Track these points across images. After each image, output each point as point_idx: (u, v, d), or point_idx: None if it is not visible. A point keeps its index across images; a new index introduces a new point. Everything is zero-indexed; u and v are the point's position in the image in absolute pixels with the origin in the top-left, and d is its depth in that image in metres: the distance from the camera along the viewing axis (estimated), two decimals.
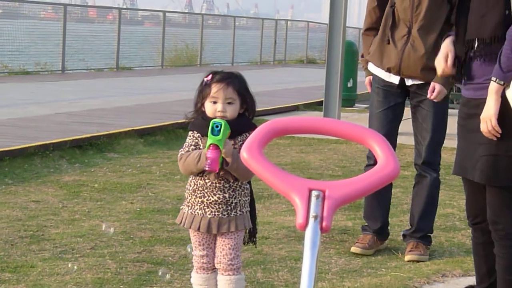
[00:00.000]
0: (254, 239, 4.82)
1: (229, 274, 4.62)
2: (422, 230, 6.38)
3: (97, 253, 6.04)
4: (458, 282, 5.78)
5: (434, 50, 6.04)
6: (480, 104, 4.49)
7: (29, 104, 14.38)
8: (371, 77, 6.48)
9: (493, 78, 4.31)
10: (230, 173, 4.48)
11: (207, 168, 4.33)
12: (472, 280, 5.79)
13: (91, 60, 26.52)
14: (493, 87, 4.30)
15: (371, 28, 6.48)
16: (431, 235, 6.49)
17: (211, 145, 4.28)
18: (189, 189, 4.59)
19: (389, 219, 6.65)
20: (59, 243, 6.29)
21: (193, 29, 32.68)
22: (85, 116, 12.93)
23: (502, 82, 4.26)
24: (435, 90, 6.11)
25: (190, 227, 4.61)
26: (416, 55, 6.15)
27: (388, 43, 6.25)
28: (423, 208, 6.38)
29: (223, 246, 4.58)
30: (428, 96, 6.13)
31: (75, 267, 5.73)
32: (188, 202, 4.59)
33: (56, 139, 10.24)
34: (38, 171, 9.10)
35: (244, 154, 2.27)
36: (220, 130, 4.26)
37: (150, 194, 8.20)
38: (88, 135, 10.78)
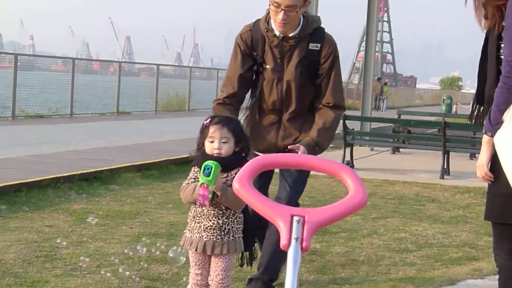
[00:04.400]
0: (251, 262, 4.80)
1: None
2: None
3: (102, 271, 5.99)
4: None
5: (304, 127, 5.41)
6: None
7: (43, 143, 14.31)
8: None
9: (484, 131, 4.26)
10: None
11: (198, 203, 4.33)
12: None
13: (95, 105, 26.50)
14: (485, 138, 4.23)
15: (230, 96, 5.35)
16: None
17: (202, 184, 4.26)
18: (190, 216, 4.57)
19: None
20: (69, 262, 6.23)
21: (182, 79, 32.71)
22: (91, 154, 12.88)
23: (490, 134, 4.19)
24: (299, 151, 5.20)
25: (189, 248, 4.59)
26: (290, 139, 5.39)
27: (259, 131, 5.44)
28: None
29: (216, 267, 4.55)
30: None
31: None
32: (189, 227, 4.57)
33: (66, 173, 10.19)
34: (50, 200, 9.05)
35: (235, 185, 2.26)
36: (210, 172, 4.25)
37: (146, 220, 8.16)
38: (94, 170, 10.74)
